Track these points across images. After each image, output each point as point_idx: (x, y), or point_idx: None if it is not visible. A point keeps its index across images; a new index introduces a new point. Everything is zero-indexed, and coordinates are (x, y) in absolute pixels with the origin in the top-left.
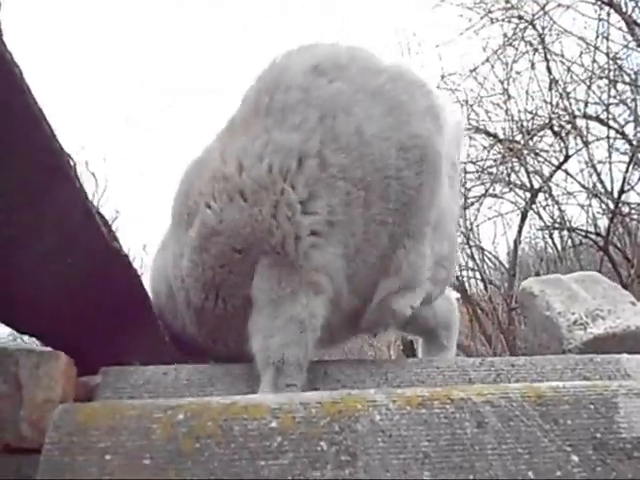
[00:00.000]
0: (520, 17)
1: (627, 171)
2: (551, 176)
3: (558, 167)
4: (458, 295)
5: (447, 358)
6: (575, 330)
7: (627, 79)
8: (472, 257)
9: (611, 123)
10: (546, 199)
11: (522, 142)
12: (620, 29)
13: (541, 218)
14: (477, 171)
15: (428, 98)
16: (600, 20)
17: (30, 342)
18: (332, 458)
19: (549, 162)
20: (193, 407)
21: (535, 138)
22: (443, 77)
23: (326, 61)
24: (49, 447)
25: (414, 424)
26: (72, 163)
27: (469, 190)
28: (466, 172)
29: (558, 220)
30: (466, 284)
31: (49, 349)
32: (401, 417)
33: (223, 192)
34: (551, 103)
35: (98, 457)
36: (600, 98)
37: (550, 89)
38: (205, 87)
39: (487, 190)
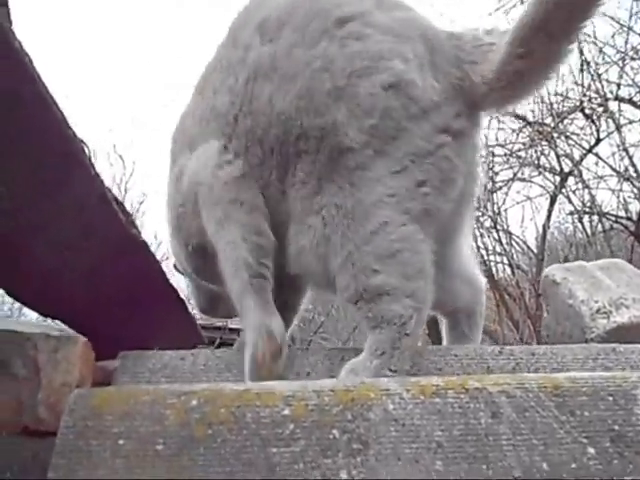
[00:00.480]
0: None
1: None
2: (581, 159)
3: (589, 150)
4: (485, 280)
5: (465, 346)
6: (598, 319)
7: None
8: (500, 241)
9: None
10: (576, 183)
11: (552, 125)
12: None
13: (571, 202)
14: (505, 154)
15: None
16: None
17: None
18: (344, 446)
19: (580, 145)
20: (206, 393)
21: (566, 121)
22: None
23: (270, 18)
24: (64, 431)
25: (427, 413)
26: (86, 150)
27: (497, 174)
28: (494, 155)
29: (588, 204)
30: (493, 269)
31: (67, 333)
32: (414, 406)
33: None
34: (582, 85)
35: (112, 442)
36: (633, 80)
37: (581, 71)
38: None
39: (515, 174)
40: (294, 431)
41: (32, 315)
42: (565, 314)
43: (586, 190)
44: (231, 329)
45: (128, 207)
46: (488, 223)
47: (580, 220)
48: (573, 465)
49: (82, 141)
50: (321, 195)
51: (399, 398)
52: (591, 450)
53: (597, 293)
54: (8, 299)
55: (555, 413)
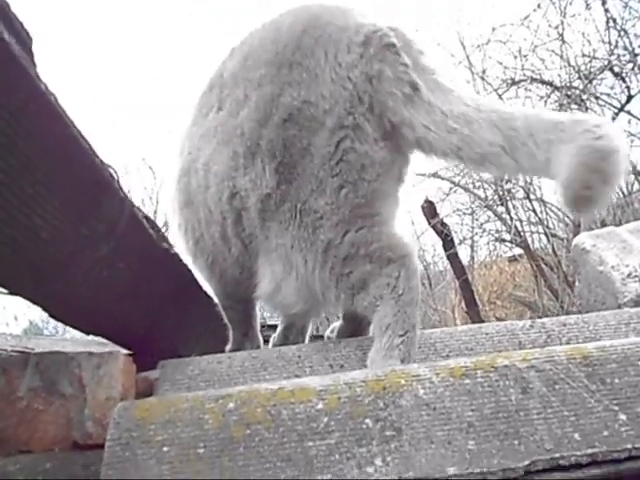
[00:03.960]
0: None
1: None
2: (613, 119)
3: (620, 109)
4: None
5: (496, 323)
6: (630, 283)
7: None
8: (534, 211)
9: None
10: None
11: (581, 87)
12: None
13: None
14: None
15: None
16: None
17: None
18: (377, 434)
19: (611, 105)
20: (242, 395)
21: (595, 82)
22: (494, 29)
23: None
24: (110, 443)
25: (458, 395)
26: (114, 174)
27: None
28: None
29: None
30: (529, 239)
31: (108, 350)
32: (445, 389)
33: None
34: (609, 43)
35: (156, 450)
36: None
37: (607, 28)
38: None
39: None
40: (328, 424)
41: (76, 332)
42: (597, 281)
43: None
44: (269, 325)
45: (160, 217)
46: (521, 194)
47: None
48: (605, 433)
49: (110, 166)
50: (268, 241)
51: (429, 382)
52: (622, 416)
53: (627, 257)
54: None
55: (585, 383)
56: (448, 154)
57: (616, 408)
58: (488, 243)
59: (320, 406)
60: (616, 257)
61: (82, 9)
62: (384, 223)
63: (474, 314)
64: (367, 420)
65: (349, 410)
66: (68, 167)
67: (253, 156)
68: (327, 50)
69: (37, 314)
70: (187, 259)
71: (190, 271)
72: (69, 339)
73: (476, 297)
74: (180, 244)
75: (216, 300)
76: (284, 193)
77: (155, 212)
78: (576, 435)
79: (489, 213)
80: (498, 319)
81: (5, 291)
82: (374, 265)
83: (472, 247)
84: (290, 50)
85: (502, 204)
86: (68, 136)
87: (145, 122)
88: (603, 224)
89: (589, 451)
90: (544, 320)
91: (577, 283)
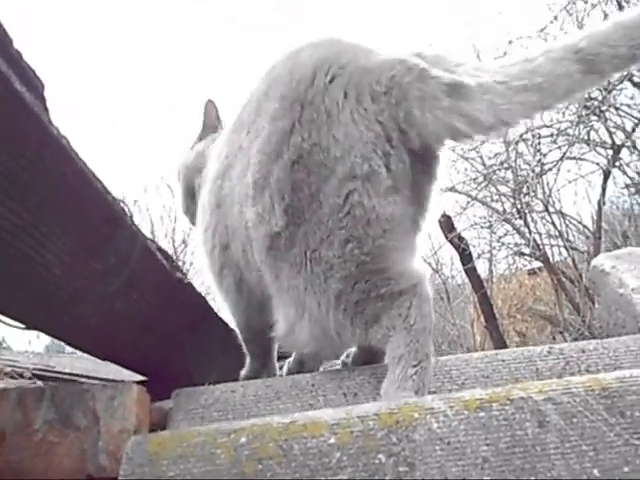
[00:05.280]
0: None
1: None
2: (634, 130)
3: None
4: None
5: (513, 350)
6: None
7: None
8: (553, 224)
9: None
10: (630, 154)
11: (600, 98)
12: None
13: (625, 174)
14: (552, 135)
15: None
16: None
17: None
18: (390, 469)
19: (631, 116)
20: (255, 429)
21: (614, 92)
22: (511, 42)
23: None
24: (123, 479)
25: (472, 429)
26: (127, 210)
27: (545, 155)
28: (540, 137)
29: None
30: (549, 252)
31: (122, 381)
32: (459, 423)
33: None
34: None
35: None
36: None
37: None
38: None
39: (565, 153)
40: (340, 459)
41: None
42: (616, 304)
43: None
44: None
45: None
46: (540, 207)
47: (637, 192)
48: (625, 469)
49: (122, 201)
50: (279, 280)
51: (443, 416)
52: None
53: None
54: None
55: (604, 416)
56: (529, 111)
57: (637, 442)
58: (507, 257)
59: (332, 440)
60: (637, 279)
61: (82, 9)
62: (393, 269)
63: (493, 328)
64: (380, 455)
65: (361, 445)
66: (81, 206)
67: (262, 189)
68: (347, 92)
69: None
70: (213, 281)
71: (204, 298)
72: (89, 357)
73: (495, 311)
74: (208, 249)
75: (237, 332)
76: (293, 236)
77: (174, 230)
78: (595, 471)
79: (507, 226)
80: (518, 333)
81: (22, 326)
82: (386, 302)
83: (490, 261)
84: (304, 86)
85: (520, 217)
86: (81, 177)
87: (145, 122)
88: (624, 235)
89: None
90: (562, 346)
91: (596, 305)
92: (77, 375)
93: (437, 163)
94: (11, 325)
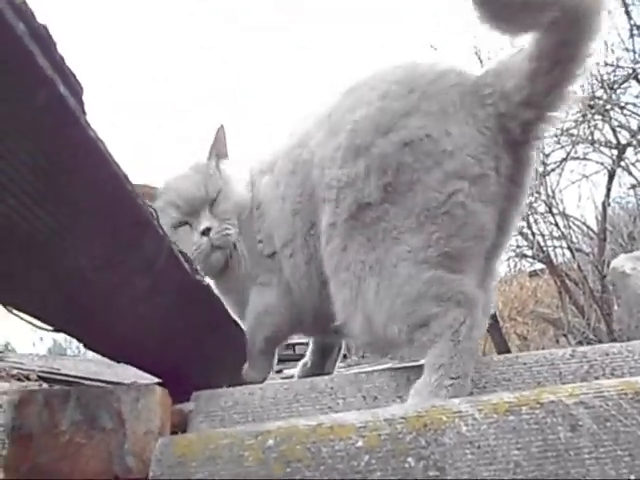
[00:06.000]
0: None
1: None
2: (639, 129)
3: None
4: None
5: (534, 353)
6: None
7: None
8: (557, 225)
9: None
10: (636, 154)
11: (604, 97)
12: None
13: (631, 175)
14: (555, 135)
15: None
16: None
17: None
18: (420, 473)
19: (636, 114)
20: (282, 431)
21: (619, 91)
22: (511, 42)
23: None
24: None
25: (502, 433)
26: (154, 214)
27: (548, 156)
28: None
29: None
30: (552, 254)
31: (145, 383)
32: (488, 426)
33: None
34: (634, 51)
35: None
36: None
37: (631, 36)
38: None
39: (569, 153)
40: (369, 462)
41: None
42: (638, 305)
43: None
44: (300, 343)
45: None
46: (542, 208)
47: None
48: None
49: (150, 206)
50: (346, 252)
51: (472, 419)
52: None
53: None
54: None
55: (639, 420)
56: None
57: None
58: (509, 259)
59: (360, 443)
60: None
61: (82, 9)
62: (466, 274)
63: (495, 331)
64: (409, 459)
65: (390, 448)
66: (113, 210)
67: (356, 156)
68: (463, 98)
69: (61, 335)
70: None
71: (220, 301)
72: (92, 359)
73: (496, 314)
74: (273, 216)
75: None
76: (385, 213)
77: None
78: (632, 477)
79: None
80: (519, 336)
81: (51, 328)
82: (441, 307)
83: None
84: (425, 81)
85: (522, 219)
86: (115, 180)
87: (145, 122)
88: (630, 237)
89: None
90: (585, 349)
91: (616, 307)
92: (82, 378)
93: (523, 192)
94: (40, 327)
